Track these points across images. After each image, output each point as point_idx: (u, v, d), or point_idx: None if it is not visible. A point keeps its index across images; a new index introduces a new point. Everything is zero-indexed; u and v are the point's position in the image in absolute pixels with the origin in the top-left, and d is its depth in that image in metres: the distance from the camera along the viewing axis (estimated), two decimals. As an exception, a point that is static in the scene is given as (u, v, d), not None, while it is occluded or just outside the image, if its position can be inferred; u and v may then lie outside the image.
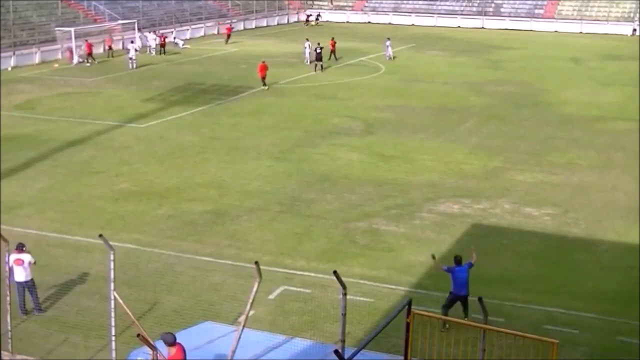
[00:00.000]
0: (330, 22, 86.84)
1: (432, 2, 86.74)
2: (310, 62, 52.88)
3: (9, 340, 15.13)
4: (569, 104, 41.70)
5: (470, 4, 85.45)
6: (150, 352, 11.98)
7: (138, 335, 11.77)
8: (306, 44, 55.31)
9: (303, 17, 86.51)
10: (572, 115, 38.88)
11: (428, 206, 24.68)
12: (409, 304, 11.94)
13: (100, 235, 14.03)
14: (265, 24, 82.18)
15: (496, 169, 28.97)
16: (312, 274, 19.27)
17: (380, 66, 54.27)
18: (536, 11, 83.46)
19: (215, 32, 74.55)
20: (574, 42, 70.45)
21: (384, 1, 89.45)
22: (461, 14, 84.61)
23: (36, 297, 16.84)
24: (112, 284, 13.76)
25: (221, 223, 22.96)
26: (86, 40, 55.75)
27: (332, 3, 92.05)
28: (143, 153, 30.71)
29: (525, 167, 29.28)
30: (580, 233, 22.70)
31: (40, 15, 59.88)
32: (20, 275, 16.59)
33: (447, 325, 15.33)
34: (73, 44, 54.63)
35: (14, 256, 16.49)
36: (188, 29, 70.70)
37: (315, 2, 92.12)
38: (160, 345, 12.42)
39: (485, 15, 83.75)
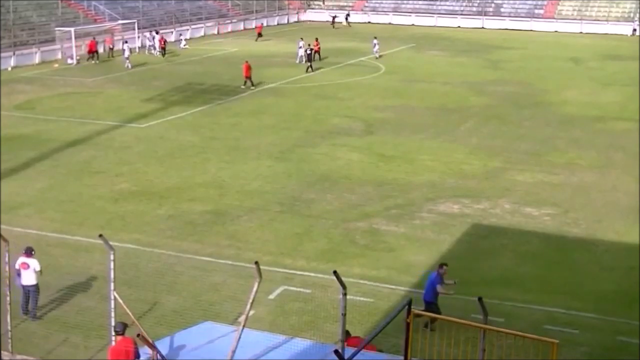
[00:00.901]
0: (330, 22, 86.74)
1: (432, 2, 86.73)
2: (305, 62, 52.64)
3: (9, 340, 15.13)
4: (569, 104, 41.70)
5: (470, 4, 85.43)
6: (150, 352, 11.98)
7: (138, 335, 11.79)
8: (300, 44, 55.32)
9: (326, 18, 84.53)
10: (572, 115, 38.88)
11: (428, 206, 24.68)
12: (409, 304, 11.92)
13: (100, 235, 14.03)
14: (265, 24, 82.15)
15: (496, 169, 28.97)
16: (312, 274, 19.28)
17: (380, 66, 54.28)
18: (536, 11, 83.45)
19: (216, 32, 74.57)
20: (574, 42, 70.45)
21: (384, 1, 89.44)
22: (461, 14, 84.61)
23: (34, 303, 16.80)
24: (112, 284, 13.77)
25: (221, 223, 22.97)
26: (93, 39, 55.87)
27: (324, 3, 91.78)
28: (143, 153, 30.71)
29: (525, 167, 29.28)
30: (580, 233, 22.70)
31: (40, 15, 59.88)
32: (25, 278, 16.67)
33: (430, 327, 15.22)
34: (73, 44, 54.60)
35: (21, 259, 16.61)
36: (188, 29, 70.68)
37: (316, 2, 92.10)
38: (160, 345, 12.43)
39: (485, 15, 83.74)
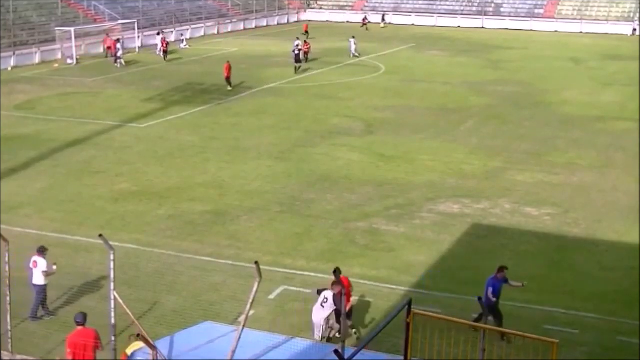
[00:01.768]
0: (330, 22, 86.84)
1: (432, 2, 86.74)
2: (295, 62, 51.69)
3: (9, 340, 15.13)
4: (569, 104, 41.70)
5: (470, 4, 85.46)
6: (150, 352, 11.98)
7: (138, 335, 11.79)
8: (296, 43, 55.29)
9: (357, 19, 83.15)
10: (572, 115, 38.88)
11: (428, 206, 24.68)
12: (409, 304, 11.93)
13: (100, 235, 14.02)
14: (265, 24, 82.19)
15: (496, 169, 28.97)
16: (312, 274, 19.27)
17: (381, 66, 54.28)
18: (536, 11, 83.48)
19: (216, 32, 74.58)
20: (574, 42, 70.46)
21: (383, 1, 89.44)
22: (461, 14, 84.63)
23: (37, 303, 16.83)
24: (112, 284, 13.76)
25: (221, 223, 22.97)
26: (113, 39, 55.49)
27: (317, 3, 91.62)
28: (143, 153, 30.71)
29: (525, 167, 29.28)
30: (580, 233, 22.70)
31: (40, 15, 59.88)
32: (34, 277, 16.81)
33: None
34: (73, 44, 54.61)
35: (33, 258, 16.81)
36: (188, 29, 70.68)
37: (317, 2, 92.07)
38: (160, 345, 12.43)
39: (485, 15, 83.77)
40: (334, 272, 16.04)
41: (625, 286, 19.01)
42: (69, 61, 54.44)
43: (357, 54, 58.67)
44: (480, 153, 31.16)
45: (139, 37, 62.37)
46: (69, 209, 24.13)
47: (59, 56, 56.07)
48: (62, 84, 46.59)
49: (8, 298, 15.09)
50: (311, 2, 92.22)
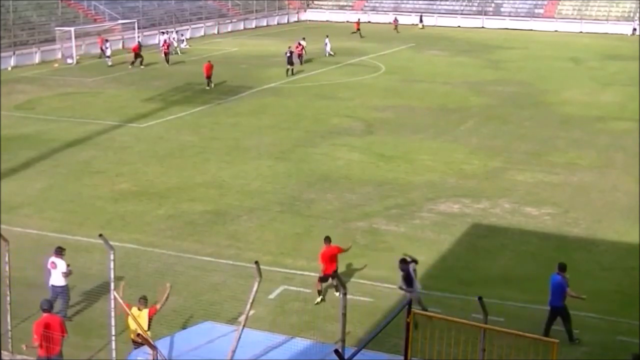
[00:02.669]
0: (330, 21, 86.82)
1: (432, 2, 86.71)
2: (287, 64, 50.37)
3: (9, 340, 15.14)
4: (569, 104, 41.69)
5: (470, 4, 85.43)
6: (151, 352, 11.98)
7: (138, 335, 11.80)
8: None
9: (387, 19, 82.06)
10: (572, 115, 38.87)
11: (428, 206, 24.68)
12: (409, 303, 11.93)
13: (100, 235, 14.03)
14: (265, 24, 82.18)
15: (496, 169, 28.97)
16: (312, 274, 19.22)
17: (381, 66, 54.28)
18: (536, 11, 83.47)
19: (216, 32, 74.58)
20: (574, 42, 70.44)
21: (384, 1, 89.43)
22: (461, 14, 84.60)
23: (63, 304, 16.76)
24: (112, 284, 13.76)
25: (221, 223, 22.97)
26: (137, 43, 55.14)
27: (313, 2, 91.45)
28: (143, 153, 30.71)
29: (525, 167, 29.28)
30: (580, 233, 22.70)
31: (40, 15, 59.89)
32: (53, 279, 16.81)
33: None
34: (73, 44, 54.60)
35: (51, 259, 16.83)
36: (188, 29, 70.69)
37: (316, 2, 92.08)
38: (160, 345, 12.43)
39: (485, 14, 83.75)
40: (325, 239, 18.18)
41: (625, 286, 19.02)
42: (69, 61, 54.46)
43: (332, 53, 58.37)
44: (480, 153, 31.16)
45: (139, 37, 62.33)
46: (69, 209, 24.13)
47: (59, 56, 56.06)
48: (62, 84, 46.60)
49: (8, 298, 15.10)
50: (311, 2, 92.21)
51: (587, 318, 17.31)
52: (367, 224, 23.02)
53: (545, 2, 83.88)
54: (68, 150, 31.10)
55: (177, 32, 62.82)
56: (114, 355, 13.97)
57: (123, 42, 62.43)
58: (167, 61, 54.07)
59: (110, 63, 52.94)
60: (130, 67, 52.35)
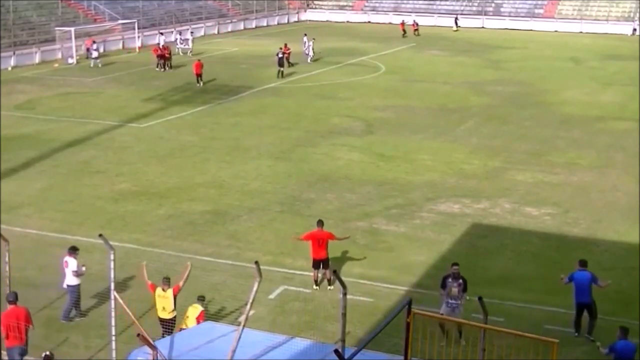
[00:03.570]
0: (330, 22, 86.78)
1: (432, 2, 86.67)
2: (277, 66, 49.67)
3: (9, 340, 15.12)
4: (569, 104, 41.68)
5: (470, 4, 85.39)
6: (151, 352, 11.98)
7: (138, 335, 11.78)
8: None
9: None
10: (572, 115, 38.86)
11: (428, 206, 24.68)
12: (409, 303, 11.92)
13: (100, 235, 14.03)
14: (265, 24, 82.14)
15: (496, 169, 28.97)
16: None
17: (381, 66, 54.27)
18: (536, 11, 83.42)
19: (216, 32, 74.55)
20: (574, 42, 70.40)
21: (384, 1, 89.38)
22: (461, 14, 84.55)
23: (70, 304, 16.88)
24: (112, 284, 13.76)
25: (221, 223, 22.97)
26: (163, 46, 53.69)
27: (313, 2, 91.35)
28: (143, 153, 30.71)
29: (525, 167, 29.28)
30: (580, 233, 22.71)
31: (40, 15, 59.87)
32: (67, 278, 16.97)
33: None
34: (73, 44, 54.58)
35: (65, 258, 17.02)
36: (188, 29, 70.64)
37: (316, 2, 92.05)
38: (160, 345, 12.42)
39: (485, 15, 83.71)
40: (318, 222, 19.04)
41: (625, 286, 19.02)
42: (69, 61, 54.44)
43: (311, 55, 56.21)
44: (480, 153, 31.16)
45: (139, 37, 62.33)
46: (69, 209, 24.13)
47: (59, 56, 56.00)
48: (62, 84, 46.59)
49: (8, 298, 15.09)
50: (311, 2, 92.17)
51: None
52: (367, 224, 23.02)
53: (545, 2, 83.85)
54: (68, 150, 31.09)
55: (182, 32, 62.32)
56: (114, 355, 13.97)
57: (123, 42, 62.42)
58: (167, 66, 51.50)
59: (93, 65, 52.44)
60: (161, 69, 51.12)
